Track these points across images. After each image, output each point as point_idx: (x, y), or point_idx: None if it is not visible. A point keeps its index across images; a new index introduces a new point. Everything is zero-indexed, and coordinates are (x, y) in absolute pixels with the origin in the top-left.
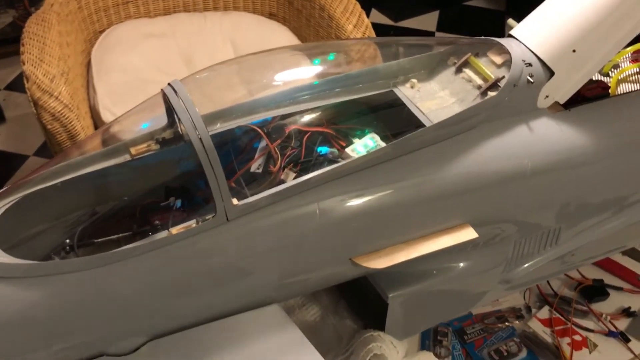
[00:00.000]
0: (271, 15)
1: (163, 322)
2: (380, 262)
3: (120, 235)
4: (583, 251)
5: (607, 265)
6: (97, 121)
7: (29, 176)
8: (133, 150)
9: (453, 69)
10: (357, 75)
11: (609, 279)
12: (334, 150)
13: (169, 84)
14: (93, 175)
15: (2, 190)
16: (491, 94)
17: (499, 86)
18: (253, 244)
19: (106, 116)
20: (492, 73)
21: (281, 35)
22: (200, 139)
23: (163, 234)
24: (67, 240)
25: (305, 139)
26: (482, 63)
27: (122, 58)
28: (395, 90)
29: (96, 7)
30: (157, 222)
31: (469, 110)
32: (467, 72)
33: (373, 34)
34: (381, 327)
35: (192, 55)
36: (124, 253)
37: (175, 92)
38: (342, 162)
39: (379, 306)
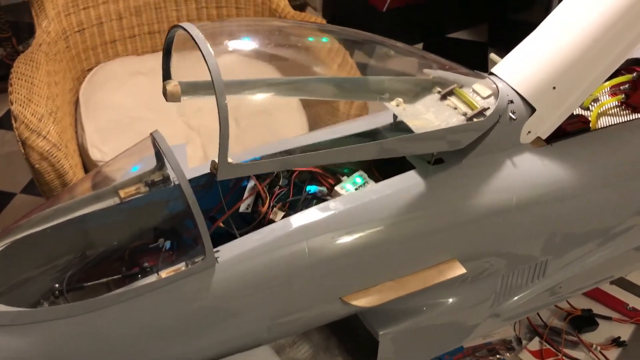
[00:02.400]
0: (258, 58)
1: None
2: (370, 301)
3: (110, 278)
4: (571, 282)
5: (595, 294)
6: (85, 159)
7: (19, 221)
8: (122, 193)
9: (438, 96)
10: (347, 81)
11: (598, 309)
12: (323, 188)
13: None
14: (82, 219)
15: None
16: (477, 120)
17: (485, 115)
18: (243, 285)
19: (94, 154)
20: (477, 103)
21: (267, 75)
22: (188, 182)
23: (152, 278)
24: (57, 285)
25: (293, 177)
26: (467, 94)
27: (110, 96)
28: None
29: (84, 46)
30: (146, 264)
31: (457, 128)
32: (452, 99)
33: (358, 73)
34: None
35: None
36: (114, 298)
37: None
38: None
39: (370, 343)
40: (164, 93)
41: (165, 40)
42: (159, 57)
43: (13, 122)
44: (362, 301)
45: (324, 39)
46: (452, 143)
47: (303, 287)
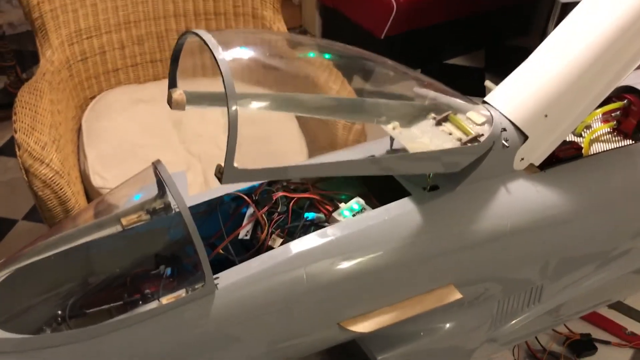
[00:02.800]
0: (258, 83)
1: None
2: (367, 326)
3: (112, 305)
4: (568, 306)
5: (594, 319)
6: (87, 186)
7: (22, 250)
8: (124, 221)
9: (433, 121)
10: (346, 101)
11: (597, 333)
12: (321, 215)
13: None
14: (85, 246)
15: None
16: (471, 145)
17: (479, 141)
18: (242, 311)
19: (96, 181)
20: (472, 130)
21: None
22: (189, 209)
23: (153, 304)
24: (59, 312)
25: (291, 204)
26: (461, 120)
27: (112, 123)
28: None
29: (87, 75)
30: (147, 291)
31: (452, 150)
32: (447, 125)
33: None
34: None
35: (181, 119)
36: (115, 324)
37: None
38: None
39: None
40: (169, 101)
41: (174, 47)
42: (160, 85)
43: (17, 150)
44: (359, 326)
45: (326, 56)
46: (447, 165)
47: (301, 313)
